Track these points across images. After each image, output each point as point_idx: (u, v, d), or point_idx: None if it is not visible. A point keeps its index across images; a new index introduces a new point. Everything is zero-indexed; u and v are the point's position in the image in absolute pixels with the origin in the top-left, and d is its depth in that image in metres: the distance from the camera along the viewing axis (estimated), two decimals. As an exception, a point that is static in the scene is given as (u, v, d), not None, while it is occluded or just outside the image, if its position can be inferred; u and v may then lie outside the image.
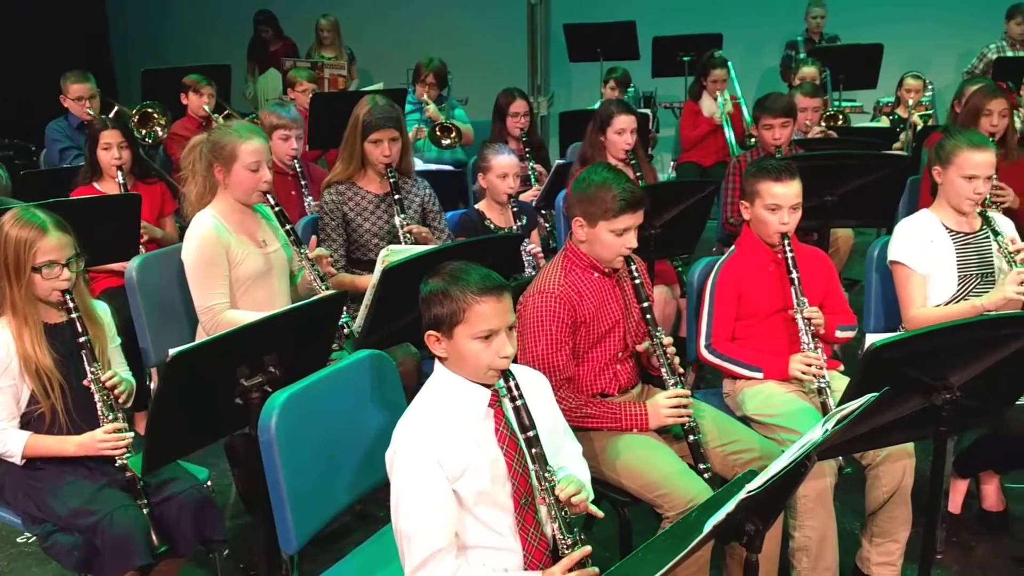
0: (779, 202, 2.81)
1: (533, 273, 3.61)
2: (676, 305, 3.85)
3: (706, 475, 2.44)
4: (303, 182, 4.05)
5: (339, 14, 7.53)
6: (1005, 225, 3.05)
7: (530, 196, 4.58)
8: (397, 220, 3.27)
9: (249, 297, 2.92)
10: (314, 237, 3.18)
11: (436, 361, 2.02)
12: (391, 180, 3.29)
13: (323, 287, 2.88)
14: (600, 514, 2.01)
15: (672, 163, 6.60)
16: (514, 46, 7.72)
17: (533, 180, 4.75)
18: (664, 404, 2.48)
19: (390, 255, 2.72)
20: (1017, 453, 2.89)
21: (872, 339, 1.96)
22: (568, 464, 2.12)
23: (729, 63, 6.03)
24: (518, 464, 1.96)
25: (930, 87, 6.24)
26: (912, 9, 7.80)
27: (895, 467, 2.62)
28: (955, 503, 3.14)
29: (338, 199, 3.33)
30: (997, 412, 2.30)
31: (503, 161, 3.68)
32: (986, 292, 2.91)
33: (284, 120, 3.98)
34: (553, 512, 1.90)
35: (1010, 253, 2.88)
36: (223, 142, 2.90)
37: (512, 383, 1.92)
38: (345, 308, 3.02)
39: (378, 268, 2.69)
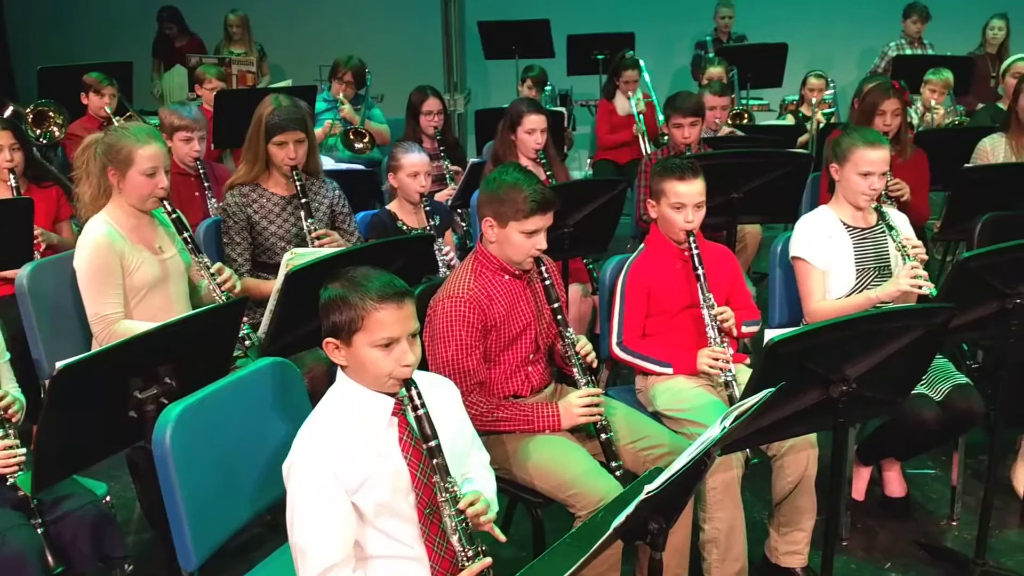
0: (683, 200, 2.85)
1: (448, 273, 3.59)
2: (592, 303, 3.88)
3: (618, 473, 2.45)
4: (206, 184, 3.93)
5: (249, 9, 7.36)
6: (899, 220, 3.16)
7: (445, 195, 4.55)
8: (304, 225, 3.19)
9: (145, 305, 2.82)
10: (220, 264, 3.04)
11: (339, 369, 1.98)
12: (297, 183, 3.21)
13: (224, 297, 2.79)
14: (502, 538, 1.99)
15: (589, 161, 6.66)
16: (430, 42, 7.68)
17: (449, 179, 4.72)
18: (576, 404, 2.49)
19: (294, 258, 2.66)
20: (916, 440, 2.99)
21: (771, 334, 1.99)
22: (475, 476, 2.10)
23: (641, 63, 6.11)
24: (422, 474, 1.93)
25: (832, 85, 6.44)
26: (815, 9, 8.05)
27: (799, 457, 2.69)
28: (859, 490, 3.24)
29: (242, 201, 3.23)
30: (893, 402, 2.38)
31: (413, 160, 3.63)
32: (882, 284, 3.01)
33: (186, 121, 3.85)
34: (454, 523, 1.88)
35: (904, 247, 2.98)
36: (118, 145, 2.79)
37: (414, 391, 1.88)
38: (249, 315, 2.95)
39: (282, 272, 2.62)
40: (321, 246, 3.14)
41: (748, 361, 2.98)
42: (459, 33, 7.39)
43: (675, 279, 2.92)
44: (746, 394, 2.03)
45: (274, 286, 2.71)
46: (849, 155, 3.05)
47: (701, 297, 2.82)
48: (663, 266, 2.93)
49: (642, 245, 3.03)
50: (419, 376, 1.95)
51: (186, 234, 2.87)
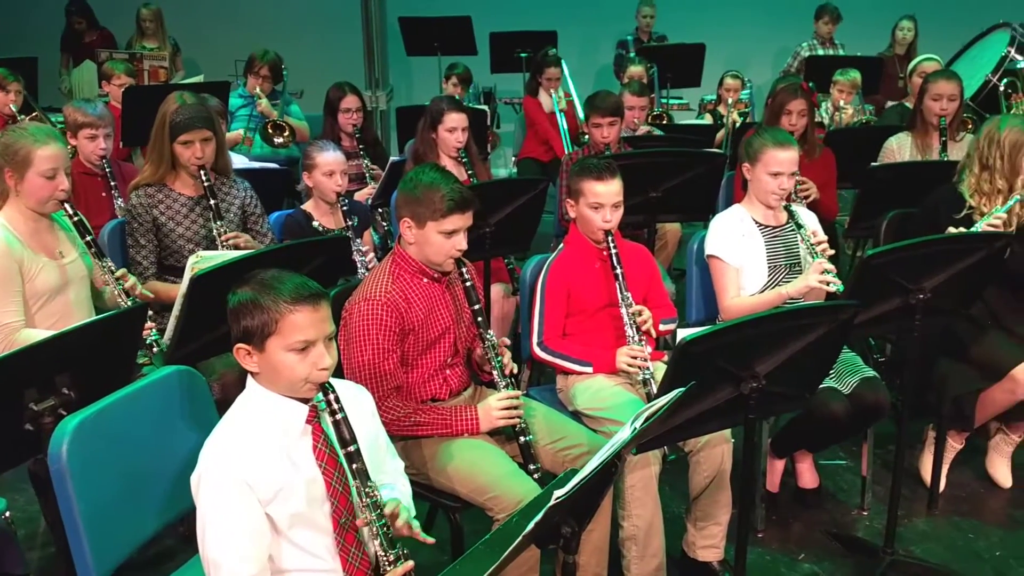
0: (601, 200, 2.87)
1: (366, 274, 3.54)
2: (514, 303, 3.87)
3: (536, 475, 2.45)
4: (113, 183, 3.79)
5: (163, 3, 7.13)
6: (808, 218, 3.23)
7: (365, 194, 4.49)
8: (213, 227, 3.10)
9: (46, 312, 2.70)
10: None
11: (248, 376, 1.92)
12: (205, 183, 3.11)
13: (128, 302, 2.69)
14: (430, 540, 1.97)
15: (513, 159, 6.66)
16: (351, 38, 7.57)
17: (369, 178, 4.65)
18: (495, 407, 2.48)
19: (200, 261, 2.57)
20: (827, 433, 3.08)
21: (683, 333, 2.02)
22: (391, 482, 2.07)
23: (562, 61, 6.13)
24: (337, 482, 1.89)
25: (748, 85, 6.58)
26: (732, 10, 8.23)
27: (714, 452, 2.73)
28: (773, 482, 3.31)
29: (147, 202, 3.12)
30: (801, 397, 2.43)
31: (328, 158, 3.56)
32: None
33: (90, 118, 3.70)
34: (375, 528, 1.84)
35: (812, 245, 3.05)
36: (16, 146, 2.67)
37: (332, 396, 1.84)
38: (156, 320, 2.85)
39: (186, 276, 2.54)
40: (231, 248, 3.06)
41: (666, 358, 3.01)
42: (380, 29, 7.29)
43: (594, 278, 2.93)
44: (660, 392, 2.05)
45: (179, 291, 2.62)
46: (759, 155, 3.12)
47: (620, 296, 2.84)
48: (582, 266, 2.94)
49: (561, 245, 3.04)
50: (333, 382, 1.90)
51: (88, 238, 2.76)
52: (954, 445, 3.43)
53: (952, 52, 6.74)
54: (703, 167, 3.76)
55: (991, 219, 3.10)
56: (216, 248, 3.06)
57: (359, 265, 3.54)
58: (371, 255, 3.64)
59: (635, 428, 1.59)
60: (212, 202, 3.11)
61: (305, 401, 1.89)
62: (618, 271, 2.85)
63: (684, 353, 2.02)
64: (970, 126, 4.43)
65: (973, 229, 3.11)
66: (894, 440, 3.54)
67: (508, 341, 2.64)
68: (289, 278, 1.85)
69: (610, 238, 2.87)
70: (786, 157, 3.09)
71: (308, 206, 3.67)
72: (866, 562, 2.96)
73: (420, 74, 7.97)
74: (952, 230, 3.14)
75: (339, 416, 1.85)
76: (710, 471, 2.75)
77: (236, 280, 1.90)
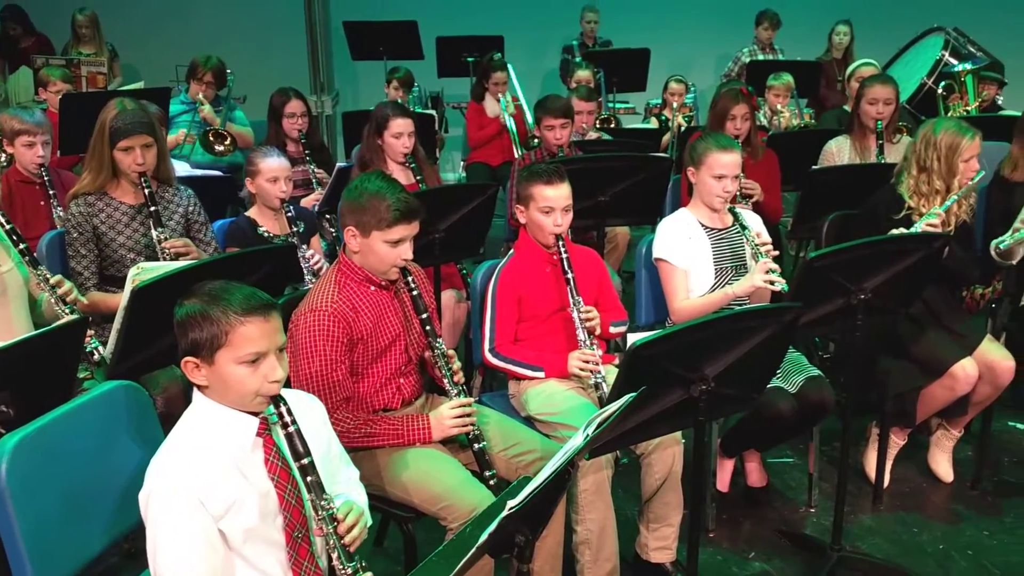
0: (551, 204, 2.88)
1: (314, 282, 3.49)
2: (466, 308, 3.86)
3: (492, 482, 2.44)
4: (52, 192, 3.68)
5: (100, 8, 6.96)
6: (753, 220, 3.29)
7: (312, 200, 4.43)
8: (154, 235, 3.03)
9: (-19, 325, 2.61)
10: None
11: (195, 390, 1.88)
12: (146, 191, 3.04)
13: (67, 310, 2.61)
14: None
15: (462, 163, 6.65)
16: (295, 42, 7.49)
17: (315, 184, 4.60)
18: (448, 415, 2.46)
19: (141, 273, 2.51)
20: (774, 432, 3.13)
21: (633, 338, 2.03)
22: (345, 490, 2.04)
23: (509, 65, 6.15)
24: (291, 496, 1.86)
25: (692, 89, 6.67)
26: (674, 16, 8.33)
27: (665, 454, 2.76)
28: (723, 482, 3.35)
29: (87, 211, 3.04)
30: (749, 398, 2.47)
31: (272, 164, 3.51)
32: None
33: (27, 125, 3.60)
34: (332, 541, 1.82)
35: (757, 246, 3.11)
36: None
37: (284, 408, 1.81)
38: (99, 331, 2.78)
39: (127, 289, 2.47)
40: (174, 258, 2.99)
41: (617, 361, 3.03)
42: (324, 33, 7.22)
43: (545, 283, 2.94)
44: (612, 397, 2.07)
45: (120, 304, 2.55)
46: (703, 159, 3.16)
47: (571, 300, 2.85)
48: (533, 271, 2.95)
49: (511, 250, 3.04)
50: (283, 392, 1.87)
51: (22, 245, 2.68)
52: (897, 441, 3.52)
53: (887, 56, 6.93)
54: (650, 171, 3.80)
55: (929, 219, 3.19)
56: (159, 258, 2.99)
57: (306, 272, 3.50)
58: (320, 261, 3.59)
59: (587, 435, 1.59)
60: (153, 209, 3.04)
61: (256, 414, 1.86)
62: (569, 275, 2.86)
63: (634, 357, 2.04)
64: (904, 132, 4.55)
65: (912, 230, 3.19)
66: (839, 437, 3.64)
67: (453, 354, 2.62)
68: (238, 288, 1.82)
69: (561, 242, 2.88)
70: (729, 160, 3.14)
71: (252, 213, 3.62)
72: (814, 559, 3.02)
73: (366, 78, 7.91)
74: (894, 232, 3.22)
75: (291, 429, 1.82)
76: (662, 473, 2.78)
77: (179, 292, 1.86)
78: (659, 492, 2.80)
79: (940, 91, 6.10)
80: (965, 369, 3.17)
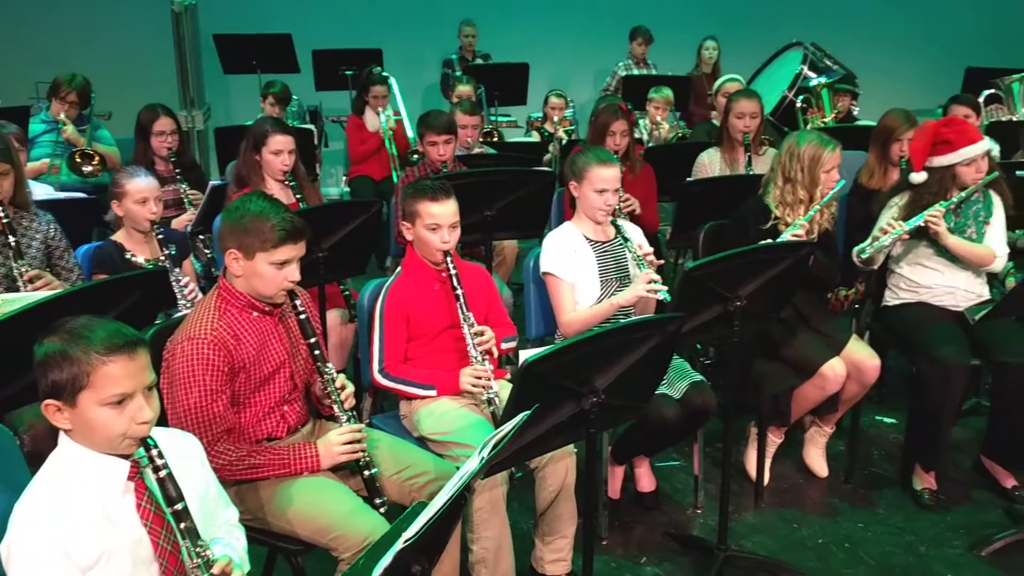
0: (438, 221, 2.86)
1: (188, 307, 3.35)
2: (353, 328, 3.78)
3: (382, 509, 2.39)
4: None
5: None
6: (634, 232, 3.37)
7: (185, 221, 4.25)
8: (13, 266, 2.84)
9: None
10: None
11: (60, 433, 1.76)
12: (3, 219, 2.85)
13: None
14: None
15: (344, 178, 6.54)
16: (163, 56, 7.19)
17: (187, 203, 4.41)
18: (336, 442, 2.39)
19: (2, 305, 2.34)
20: (661, 437, 3.22)
21: (525, 355, 2.04)
22: (222, 535, 1.96)
23: (390, 79, 6.10)
24: (165, 542, 1.77)
25: (572, 104, 6.80)
26: (551, 31, 8.49)
27: (559, 466, 2.78)
28: (614, 489, 3.41)
29: (-64, 241, 2.83)
30: (638, 407, 2.52)
31: (140, 185, 3.35)
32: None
33: None
34: None
35: (639, 257, 3.19)
36: None
37: (155, 451, 1.72)
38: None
39: (-15, 324, 2.30)
40: (35, 289, 2.81)
41: (508, 376, 3.04)
42: (194, 46, 6.96)
43: (434, 301, 2.92)
44: (506, 414, 2.07)
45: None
46: (585, 173, 3.22)
47: (461, 317, 2.85)
48: (421, 288, 2.92)
49: (399, 268, 3.00)
50: (156, 432, 1.78)
51: None
52: (774, 440, 3.67)
53: (751, 70, 7.27)
54: (534, 185, 3.84)
55: (795, 229, 3.35)
56: (18, 290, 2.80)
57: (179, 297, 3.35)
58: (192, 286, 3.45)
59: (483, 458, 1.59)
60: (12, 240, 2.84)
61: (126, 456, 1.76)
62: (459, 292, 2.85)
63: (527, 374, 2.05)
64: (766, 144, 4.78)
65: (780, 239, 3.34)
66: (721, 438, 3.77)
67: (343, 379, 2.56)
68: (101, 325, 1.72)
69: (449, 259, 2.87)
70: (610, 174, 3.21)
71: (119, 236, 3.43)
72: (703, 559, 3.10)
73: (239, 92, 7.68)
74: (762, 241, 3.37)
75: (163, 473, 1.73)
76: (555, 485, 2.80)
77: (42, 325, 1.74)
78: (553, 504, 2.82)
79: (800, 104, 6.44)
80: (834, 369, 3.34)
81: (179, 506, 1.73)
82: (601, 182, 3.19)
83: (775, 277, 2.94)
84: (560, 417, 2.24)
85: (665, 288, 3.03)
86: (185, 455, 1.89)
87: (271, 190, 3.86)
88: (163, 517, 1.77)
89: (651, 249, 3.29)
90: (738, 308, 2.86)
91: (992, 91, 6.31)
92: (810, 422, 3.72)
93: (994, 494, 3.47)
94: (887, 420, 4.13)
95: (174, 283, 3.26)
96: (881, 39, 8.79)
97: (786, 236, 3.33)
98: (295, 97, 6.58)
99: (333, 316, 3.77)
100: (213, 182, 4.21)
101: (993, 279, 3.78)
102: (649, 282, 3.04)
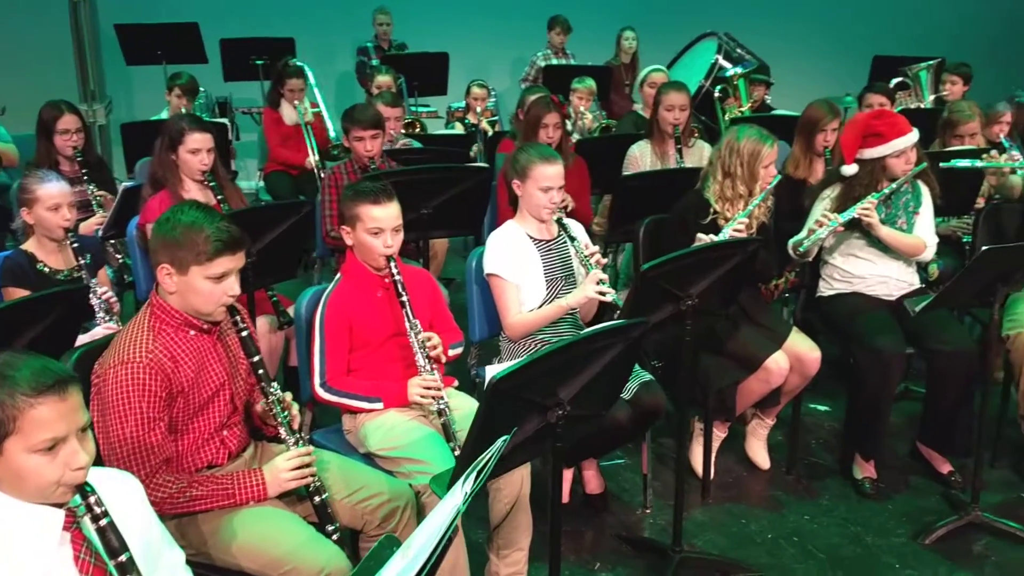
0: (381, 225, 2.72)
1: (107, 319, 3.11)
2: (282, 336, 3.59)
3: (335, 536, 2.24)
4: None
5: None
6: (578, 230, 3.30)
7: (93, 224, 3.96)
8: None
9: None
10: None
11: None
12: None
13: None
14: None
15: (259, 172, 6.26)
16: (60, 47, 6.74)
17: (96, 206, 4.12)
18: (284, 467, 2.23)
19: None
20: (613, 439, 3.17)
21: (491, 372, 1.93)
22: None
23: (307, 70, 5.86)
24: None
25: (493, 94, 6.69)
26: (468, 19, 8.32)
27: (514, 478, 2.68)
28: (564, 493, 3.34)
29: None
30: (600, 415, 2.45)
31: (52, 190, 3.09)
32: (570, 292, 3.12)
33: None
34: None
35: (585, 256, 3.11)
36: None
37: (93, 499, 1.54)
38: None
39: None
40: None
41: (456, 384, 2.93)
42: (93, 37, 6.54)
43: (378, 308, 2.77)
44: (474, 434, 1.96)
45: None
46: (528, 172, 3.13)
47: (407, 324, 2.71)
48: (363, 296, 2.77)
49: (339, 275, 2.84)
50: (92, 474, 1.59)
51: None
52: (719, 434, 3.67)
53: (667, 59, 7.29)
54: (472, 181, 3.73)
55: (735, 224, 3.34)
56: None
57: (97, 309, 3.11)
58: (110, 295, 3.20)
59: (467, 492, 1.47)
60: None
61: (59, 505, 1.58)
62: (404, 298, 2.71)
63: (494, 392, 1.94)
64: (695, 136, 4.78)
65: (721, 234, 3.32)
66: (664, 433, 3.75)
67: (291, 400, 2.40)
68: (25, 363, 1.52)
69: (392, 264, 2.73)
70: (554, 172, 3.13)
71: (30, 246, 3.17)
72: (657, 561, 3.07)
73: (142, 84, 7.27)
74: (702, 236, 3.34)
75: (104, 523, 1.55)
76: (510, 497, 2.70)
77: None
78: (509, 516, 2.73)
79: (717, 94, 6.49)
80: (778, 362, 3.35)
81: (123, 557, 1.56)
82: (546, 180, 3.10)
83: (725, 274, 2.92)
84: (526, 433, 2.14)
85: (614, 291, 2.98)
86: (125, 498, 1.71)
87: (189, 191, 3.64)
88: (105, 569, 1.59)
89: (596, 248, 3.23)
90: (690, 307, 2.83)
91: (901, 79, 6.49)
92: (752, 415, 3.73)
93: (931, 480, 3.55)
94: (820, 408, 4.19)
95: (92, 295, 3.02)
96: (791, 28, 8.97)
97: (727, 232, 3.32)
98: (203, 89, 6.26)
99: (261, 323, 3.57)
100: (125, 183, 3.94)
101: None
102: (597, 283, 2.97)
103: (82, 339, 2.76)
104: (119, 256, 4.07)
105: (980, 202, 4.23)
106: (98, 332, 2.86)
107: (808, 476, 3.64)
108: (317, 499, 2.26)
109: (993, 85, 6.56)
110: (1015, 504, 3.40)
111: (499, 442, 1.66)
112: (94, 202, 4.13)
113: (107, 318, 3.06)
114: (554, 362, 2.09)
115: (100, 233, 3.91)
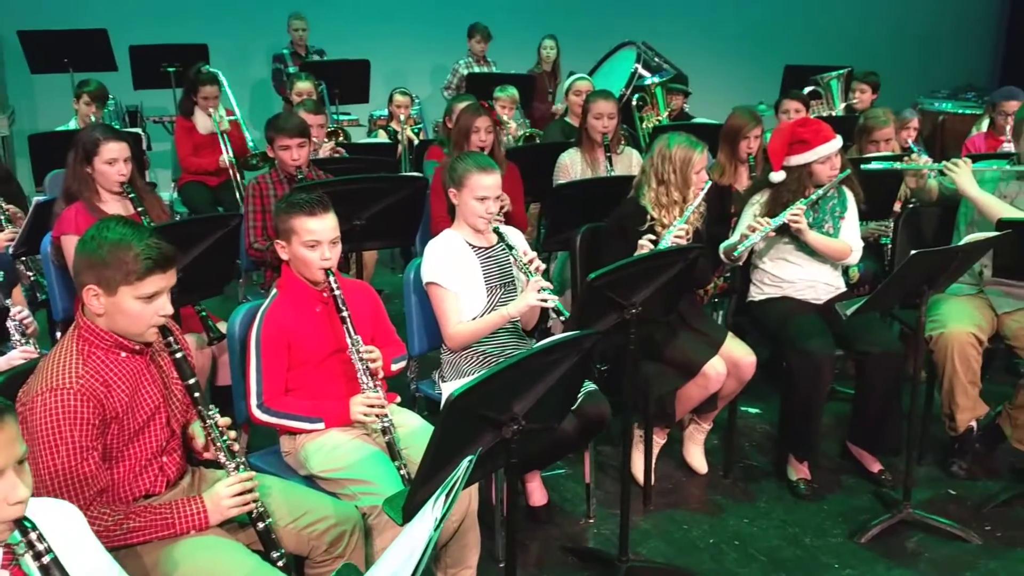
0: (317, 238, 2.63)
1: (24, 342, 2.91)
2: (210, 354, 3.44)
3: (281, 563, 2.14)
4: None
5: None
6: (516, 238, 3.26)
7: (3, 242, 3.71)
8: None
9: None
10: None
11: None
12: None
13: None
14: None
15: (173, 184, 6.03)
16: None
17: (5, 221, 3.87)
18: (226, 494, 2.11)
19: None
20: (558, 450, 3.15)
21: (449, 389, 1.88)
22: None
23: (221, 78, 5.67)
24: None
25: (417, 101, 6.61)
26: (387, 26, 8.22)
27: (462, 495, 2.62)
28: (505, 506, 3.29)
29: None
30: (553, 428, 2.41)
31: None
32: (511, 300, 3.09)
33: None
34: None
35: (525, 264, 3.08)
36: None
37: (34, 535, 1.43)
38: None
39: None
40: None
41: (399, 400, 2.85)
42: (-7, 43, 6.21)
43: (317, 324, 2.68)
44: (431, 454, 1.90)
45: None
46: (465, 181, 3.09)
47: (349, 340, 2.62)
48: (301, 311, 2.67)
49: (275, 291, 2.73)
50: (32, 507, 1.48)
51: None
52: (658, 441, 3.69)
53: (587, 67, 7.34)
54: (407, 191, 3.65)
55: (675, 231, 3.36)
56: None
57: (13, 331, 2.91)
58: (26, 314, 3.00)
59: (437, 519, 1.42)
60: None
61: None
62: (344, 313, 2.62)
63: (452, 410, 1.88)
64: (623, 143, 4.82)
65: (663, 242, 3.34)
66: (603, 441, 3.74)
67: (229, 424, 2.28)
68: None
69: (331, 277, 2.64)
70: (491, 182, 3.09)
71: (-68, 266, 2.94)
72: (604, 572, 3.05)
73: (47, 93, 6.91)
74: (644, 241, 3.35)
75: (47, 559, 1.44)
76: (458, 514, 2.64)
77: None
78: (457, 535, 2.66)
79: (636, 102, 6.57)
80: (715, 367, 3.39)
81: (69, 595, 1.45)
82: (482, 189, 3.06)
83: (667, 281, 2.94)
84: (481, 449, 2.08)
85: (557, 298, 2.95)
86: (67, 530, 1.60)
87: (107, 203, 3.47)
88: None
89: (535, 255, 3.19)
90: (634, 315, 2.83)
91: (812, 88, 6.70)
92: (689, 420, 3.76)
93: (862, 479, 3.63)
94: (752, 410, 4.25)
95: (9, 317, 2.82)
96: (705, 37, 9.17)
97: (668, 239, 3.33)
98: (112, 97, 6.00)
99: (190, 341, 3.41)
100: (38, 198, 3.72)
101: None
102: (539, 290, 2.95)
103: (-2, 365, 2.58)
104: (30, 273, 3.84)
105: (897, 206, 4.38)
106: (15, 357, 2.66)
107: (745, 479, 3.69)
108: (261, 525, 2.16)
109: (895, 93, 6.85)
110: (944, 500, 3.52)
111: (465, 462, 1.60)
112: (2, 217, 3.88)
113: (23, 341, 2.87)
114: (510, 376, 2.05)
115: (11, 250, 3.68)
